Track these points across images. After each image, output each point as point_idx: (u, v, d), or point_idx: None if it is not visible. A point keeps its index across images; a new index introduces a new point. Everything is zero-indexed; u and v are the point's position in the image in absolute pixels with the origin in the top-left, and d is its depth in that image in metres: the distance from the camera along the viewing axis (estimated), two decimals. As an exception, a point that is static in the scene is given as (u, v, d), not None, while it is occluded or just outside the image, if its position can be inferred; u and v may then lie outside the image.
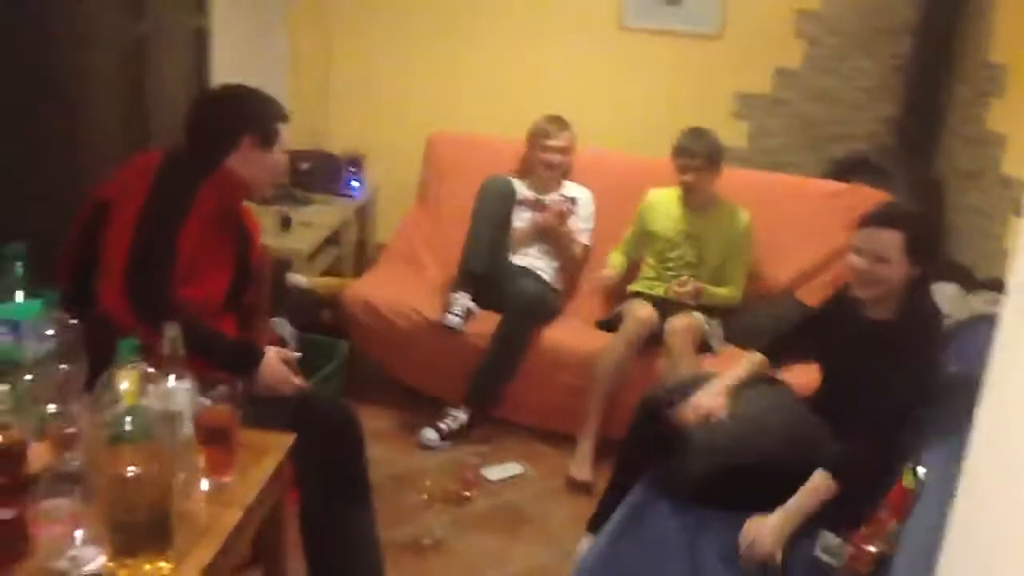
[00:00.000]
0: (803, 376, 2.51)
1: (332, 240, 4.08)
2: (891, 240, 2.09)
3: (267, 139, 2.12)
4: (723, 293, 3.36)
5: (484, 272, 3.31)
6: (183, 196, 1.95)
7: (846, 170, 4.03)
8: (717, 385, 2.36)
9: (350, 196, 4.31)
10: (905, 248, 2.08)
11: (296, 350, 2.99)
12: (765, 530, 2.02)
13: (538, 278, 3.47)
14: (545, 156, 3.58)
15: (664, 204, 3.47)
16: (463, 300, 3.25)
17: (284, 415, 1.94)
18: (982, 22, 3.75)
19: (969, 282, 3.14)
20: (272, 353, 2.03)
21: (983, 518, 1.02)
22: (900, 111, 4.14)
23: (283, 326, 3.02)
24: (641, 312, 3.22)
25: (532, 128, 3.62)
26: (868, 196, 3.59)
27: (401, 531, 2.70)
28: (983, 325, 2.56)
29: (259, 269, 2.24)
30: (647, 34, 4.31)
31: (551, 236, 3.55)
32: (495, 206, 3.43)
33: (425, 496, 2.88)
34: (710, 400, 2.29)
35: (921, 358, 2.10)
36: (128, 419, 1.28)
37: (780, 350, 2.48)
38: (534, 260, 3.55)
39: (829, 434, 2.20)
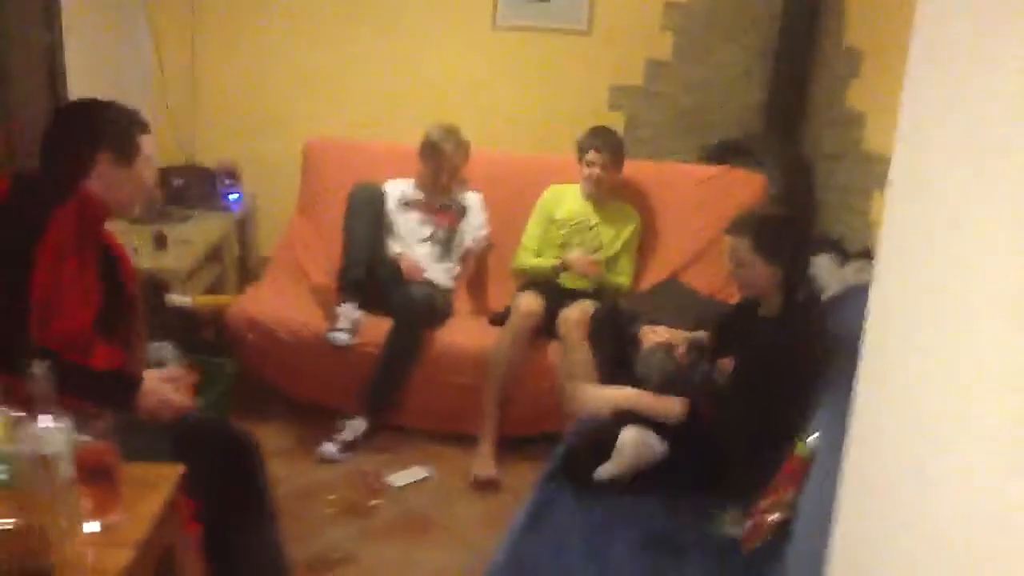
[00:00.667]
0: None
1: (213, 256, 3.95)
2: (740, 245, 2.32)
3: (126, 154, 1.97)
4: (618, 280, 3.48)
5: (364, 279, 3.27)
6: (32, 227, 1.79)
7: (720, 155, 4.15)
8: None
9: (228, 209, 4.19)
10: (754, 249, 2.29)
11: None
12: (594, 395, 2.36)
13: (429, 282, 3.45)
14: (436, 163, 3.54)
15: (568, 197, 3.55)
16: (348, 312, 3.20)
17: (167, 443, 1.86)
18: (839, 9, 3.93)
19: (841, 254, 3.29)
20: (152, 377, 1.92)
21: (871, 478, 1.07)
22: (767, 96, 4.29)
23: (165, 349, 2.90)
24: (525, 305, 3.24)
25: (427, 144, 3.55)
26: (741, 178, 3.72)
27: (308, 548, 2.63)
28: (857, 294, 2.69)
29: (131, 292, 2.12)
30: (519, 32, 4.33)
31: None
32: (366, 212, 3.40)
33: (330, 510, 2.82)
34: (673, 333, 2.48)
35: (800, 344, 2.23)
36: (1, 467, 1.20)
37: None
38: (426, 265, 3.52)
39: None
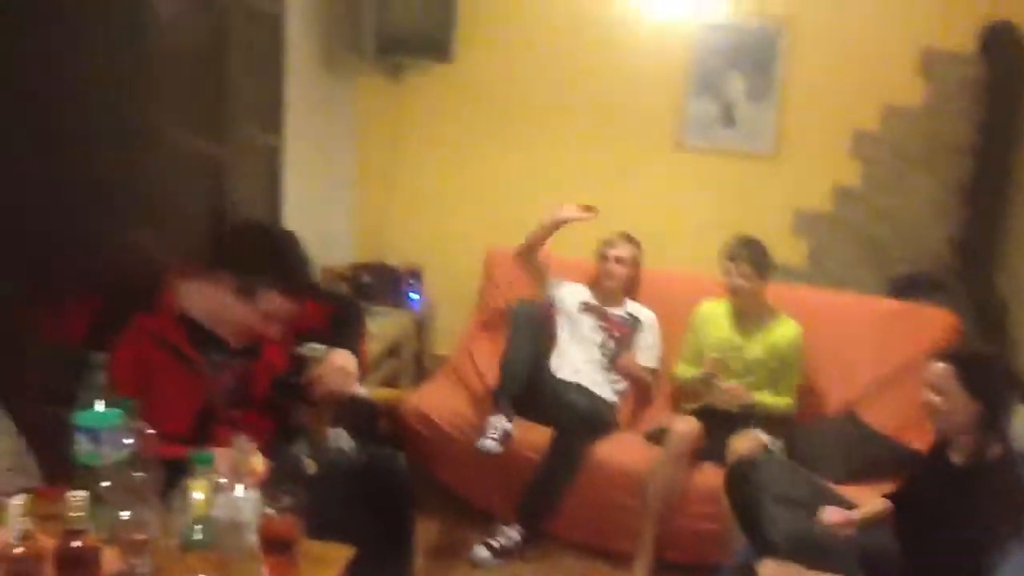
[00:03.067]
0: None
1: (392, 351, 4.14)
2: (944, 372, 2.20)
3: (244, 290, 2.02)
4: (779, 403, 3.35)
5: (519, 394, 3.30)
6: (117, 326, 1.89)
7: (907, 288, 4.00)
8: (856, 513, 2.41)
9: (409, 308, 4.39)
10: (958, 380, 2.17)
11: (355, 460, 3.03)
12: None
13: (589, 392, 3.47)
14: (606, 267, 3.64)
15: (715, 315, 3.50)
16: (500, 423, 3.21)
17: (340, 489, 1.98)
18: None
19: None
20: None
21: None
22: (961, 230, 4.12)
23: (341, 436, 3.04)
24: (682, 426, 3.19)
25: (602, 240, 3.71)
26: (928, 315, 3.56)
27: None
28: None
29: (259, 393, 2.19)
30: (703, 154, 4.39)
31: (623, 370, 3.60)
32: (527, 327, 3.45)
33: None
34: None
35: (991, 505, 2.09)
36: (199, 528, 1.32)
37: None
38: (586, 374, 3.55)
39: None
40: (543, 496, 3.26)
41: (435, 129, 4.65)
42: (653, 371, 3.65)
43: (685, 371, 3.51)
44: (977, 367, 2.21)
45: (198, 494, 1.33)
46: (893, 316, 3.62)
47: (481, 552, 3.18)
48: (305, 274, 2.12)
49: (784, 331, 3.40)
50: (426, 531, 3.22)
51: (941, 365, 2.21)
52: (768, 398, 3.34)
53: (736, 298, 3.40)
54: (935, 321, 3.52)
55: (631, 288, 3.71)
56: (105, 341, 1.86)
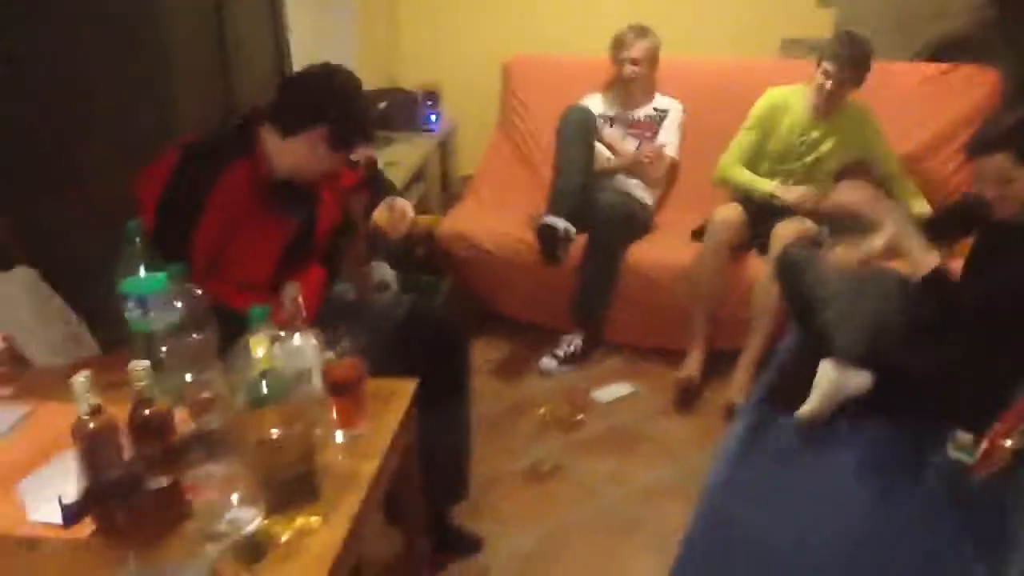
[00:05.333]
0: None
1: (417, 177, 4.08)
2: (1001, 162, 2.02)
3: (342, 140, 1.99)
4: (916, 209, 3.07)
5: (579, 202, 3.22)
6: (203, 183, 1.87)
7: (945, 53, 3.80)
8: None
9: (429, 131, 4.29)
10: (1018, 161, 2.00)
11: (397, 290, 3.05)
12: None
13: (623, 193, 3.43)
14: (623, 71, 3.49)
15: (792, 103, 3.27)
16: (559, 223, 3.14)
17: (391, 330, 2.03)
18: None
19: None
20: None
21: None
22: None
23: (382, 268, 3.05)
24: (723, 214, 3.14)
25: (612, 39, 3.52)
26: (970, 75, 3.42)
27: (519, 461, 2.75)
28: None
29: (321, 235, 2.19)
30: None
31: (638, 169, 3.50)
32: (578, 135, 3.34)
33: (538, 424, 2.92)
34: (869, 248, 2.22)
35: None
36: (264, 383, 1.32)
37: (941, 226, 2.40)
38: (623, 180, 3.49)
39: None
40: (592, 299, 3.29)
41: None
42: (672, 160, 3.56)
43: (732, 170, 3.33)
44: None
45: (259, 349, 1.32)
46: (932, 79, 3.49)
47: (548, 362, 3.26)
48: (359, 123, 2.05)
49: (860, 122, 3.22)
50: (482, 350, 3.31)
51: (990, 157, 2.03)
52: (913, 207, 3.09)
53: (822, 100, 3.15)
54: (977, 82, 3.38)
55: (649, 83, 3.55)
56: (192, 192, 1.87)
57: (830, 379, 2.16)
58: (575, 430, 2.92)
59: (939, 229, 2.35)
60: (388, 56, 4.50)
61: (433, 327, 2.19)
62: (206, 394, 1.44)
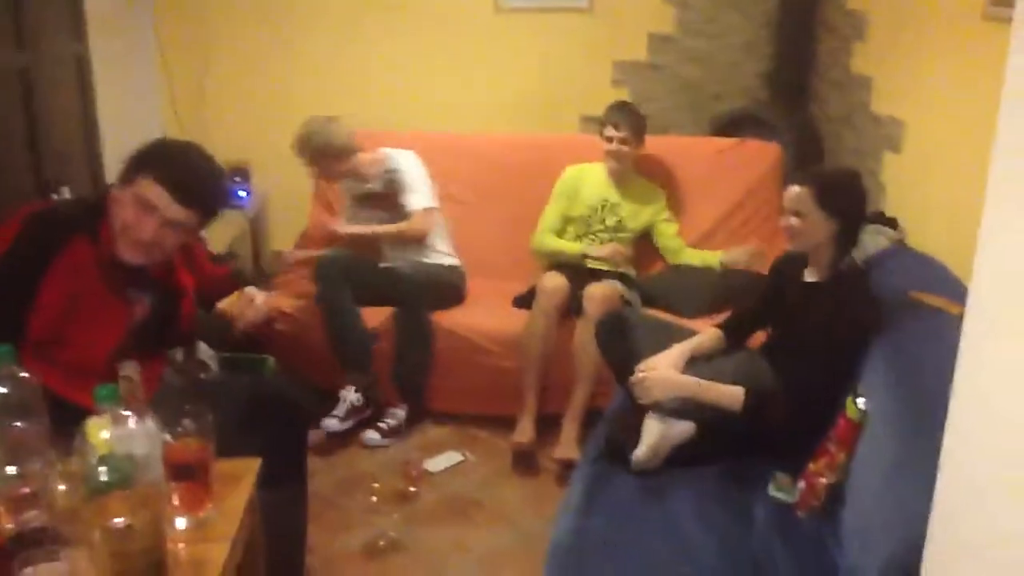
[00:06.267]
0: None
1: (227, 257, 3.94)
2: (801, 194, 2.29)
3: (121, 184, 1.86)
4: (706, 258, 3.53)
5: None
6: (38, 260, 1.76)
7: (729, 127, 4.17)
8: (673, 355, 2.45)
9: (240, 207, 4.18)
10: (815, 201, 2.27)
11: (217, 372, 2.93)
12: (657, 379, 2.34)
13: (419, 261, 3.46)
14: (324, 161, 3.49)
15: (590, 176, 3.57)
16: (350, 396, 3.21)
17: (236, 409, 1.94)
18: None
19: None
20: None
21: (962, 492, 1.04)
22: (773, 65, 4.31)
23: (202, 350, 2.92)
24: (550, 283, 3.26)
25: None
26: (755, 148, 3.75)
27: (355, 537, 2.67)
28: (887, 259, 2.75)
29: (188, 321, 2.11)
30: (521, 13, 4.34)
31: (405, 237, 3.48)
32: (338, 288, 3.25)
33: (373, 498, 2.85)
34: (660, 386, 2.36)
35: (848, 311, 2.24)
36: (104, 470, 1.23)
37: (737, 328, 2.61)
38: (410, 252, 3.50)
39: (772, 376, 2.33)
40: (410, 370, 3.29)
41: (242, 15, 4.33)
42: (429, 210, 3.45)
43: (546, 240, 3.56)
44: (832, 186, 2.31)
45: (99, 432, 1.23)
46: (721, 153, 3.78)
47: (371, 435, 3.21)
48: (187, 171, 1.90)
49: (652, 195, 3.59)
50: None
51: (798, 188, 2.30)
52: (696, 255, 3.56)
53: (615, 162, 3.48)
54: (762, 154, 3.71)
55: (370, 157, 3.53)
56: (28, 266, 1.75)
57: (654, 431, 2.28)
58: (410, 502, 2.88)
59: (736, 334, 2.59)
60: (196, 135, 4.36)
61: (278, 404, 2.10)
62: (25, 489, 1.32)
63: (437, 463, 3.10)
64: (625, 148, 3.45)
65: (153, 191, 1.82)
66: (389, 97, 4.37)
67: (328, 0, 4.32)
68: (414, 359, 3.29)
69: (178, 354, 2.72)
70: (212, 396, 2.07)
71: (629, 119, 3.46)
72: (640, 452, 2.23)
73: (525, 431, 3.11)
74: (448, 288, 3.47)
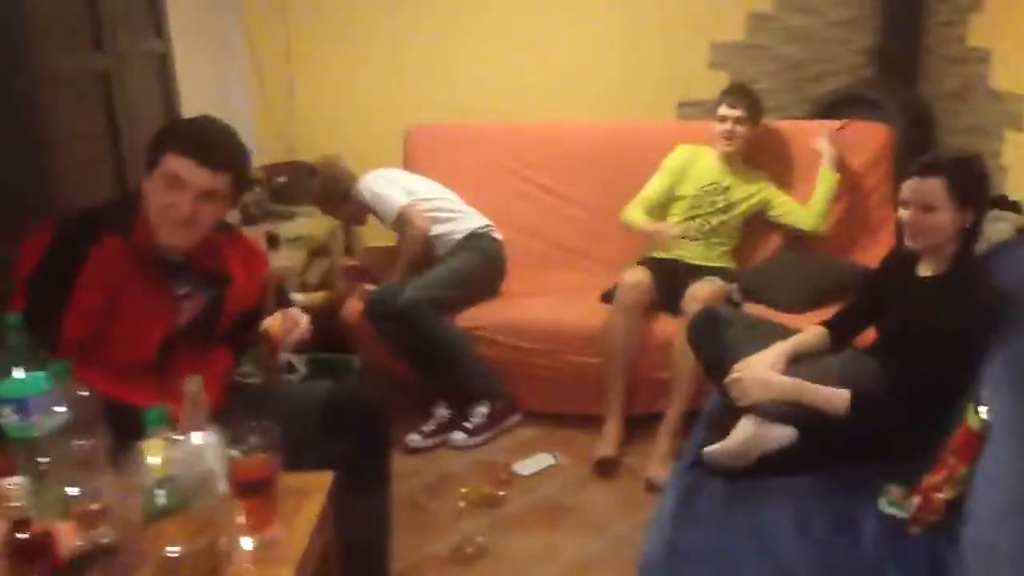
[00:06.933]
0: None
1: (320, 251, 3.96)
2: (935, 186, 2.09)
3: (148, 168, 1.82)
4: (808, 222, 3.36)
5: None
6: (70, 262, 1.74)
7: (832, 108, 3.95)
8: (772, 354, 2.29)
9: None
10: (949, 192, 2.07)
11: (307, 372, 2.91)
12: (755, 379, 2.19)
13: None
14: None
15: (701, 157, 3.43)
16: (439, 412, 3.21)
17: (315, 415, 1.92)
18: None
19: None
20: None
21: None
22: (879, 40, 4.05)
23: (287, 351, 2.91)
24: (630, 278, 3.14)
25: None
26: (863, 130, 3.52)
27: (442, 543, 2.61)
28: (1011, 249, 2.51)
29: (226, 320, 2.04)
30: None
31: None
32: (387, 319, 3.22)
33: (462, 503, 2.79)
34: (757, 387, 2.21)
35: (967, 308, 2.05)
36: (161, 493, 1.18)
37: (843, 326, 2.44)
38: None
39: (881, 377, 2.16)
40: (468, 375, 3.21)
41: (327, 13, 4.33)
42: (402, 213, 3.33)
43: (634, 214, 3.41)
44: (965, 174, 2.11)
45: (154, 455, 1.19)
46: (831, 135, 3.55)
47: (457, 436, 3.15)
48: (205, 136, 1.86)
49: (761, 180, 3.42)
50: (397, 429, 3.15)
51: (931, 179, 2.09)
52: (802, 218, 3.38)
53: (728, 143, 3.33)
54: (871, 135, 3.48)
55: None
56: (63, 269, 1.74)
57: (746, 430, 2.13)
58: (499, 506, 2.80)
59: (842, 332, 2.41)
60: (286, 129, 4.40)
61: (356, 409, 2.05)
62: (95, 505, 1.29)
63: (527, 466, 3.01)
64: (741, 128, 3.31)
65: (178, 164, 1.78)
66: (476, 89, 4.31)
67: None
68: (461, 362, 3.19)
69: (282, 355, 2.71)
70: (289, 401, 2.05)
71: (745, 98, 3.32)
72: (717, 446, 2.10)
73: (608, 441, 3.00)
74: (478, 271, 3.36)
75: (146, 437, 1.23)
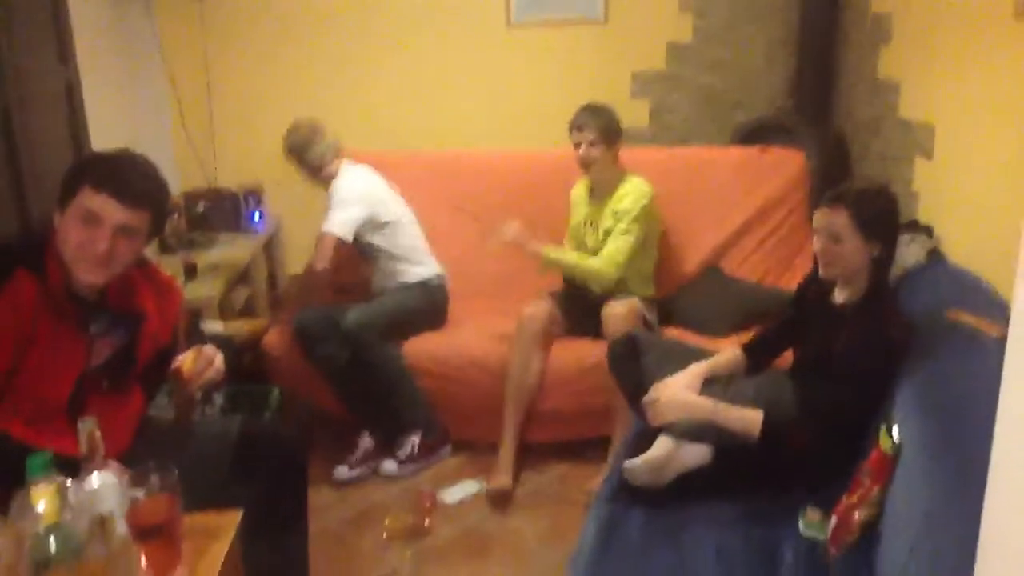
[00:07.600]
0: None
1: (242, 278, 3.87)
2: (840, 218, 2.13)
3: (61, 203, 1.75)
4: (593, 265, 3.12)
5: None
6: None
7: (752, 136, 4.03)
8: (688, 375, 2.33)
9: (254, 231, 4.11)
10: (854, 224, 2.12)
11: (225, 404, 2.83)
12: (670, 400, 2.23)
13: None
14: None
15: (579, 194, 3.39)
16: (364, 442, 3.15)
17: (228, 453, 1.86)
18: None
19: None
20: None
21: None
22: (795, 71, 4.16)
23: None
24: (527, 310, 3.13)
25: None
26: (779, 156, 3.60)
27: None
28: (918, 276, 2.59)
29: (165, 346, 1.99)
30: (535, 27, 4.23)
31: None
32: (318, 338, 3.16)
33: (385, 535, 2.74)
34: (673, 407, 2.23)
35: (878, 334, 2.10)
36: (51, 540, 1.13)
37: (759, 349, 2.48)
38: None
39: (798, 400, 2.19)
40: (395, 404, 3.17)
41: (250, 40, 4.28)
42: (321, 236, 3.24)
43: (549, 251, 3.26)
44: (872, 207, 2.15)
45: (43, 501, 1.13)
46: (744, 163, 3.64)
47: (388, 465, 3.12)
48: (123, 172, 1.79)
49: (628, 189, 3.16)
50: (318, 460, 3.08)
51: (834, 211, 2.13)
52: (581, 260, 3.17)
53: (589, 170, 3.19)
54: (786, 162, 3.56)
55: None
56: None
57: (664, 446, 2.15)
58: (423, 537, 2.76)
59: (758, 355, 2.46)
60: (206, 156, 4.31)
61: (270, 446, 2.00)
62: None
63: (452, 493, 2.98)
64: (594, 151, 3.10)
65: (95, 201, 1.72)
66: (400, 116, 4.28)
67: (336, 21, 4.24)
68: (401, 391, 3.16)
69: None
70: (201, 439, 1.99)
71: (595, 119, 3.10)
72: (636, 460, 2.10)
73: (502, 471, 3.00)
74: (421, 313, 3.32)
75: (30, 483, 1.17)
